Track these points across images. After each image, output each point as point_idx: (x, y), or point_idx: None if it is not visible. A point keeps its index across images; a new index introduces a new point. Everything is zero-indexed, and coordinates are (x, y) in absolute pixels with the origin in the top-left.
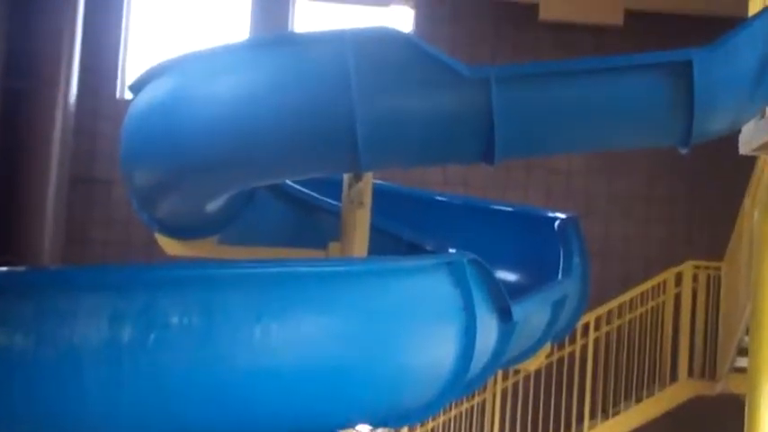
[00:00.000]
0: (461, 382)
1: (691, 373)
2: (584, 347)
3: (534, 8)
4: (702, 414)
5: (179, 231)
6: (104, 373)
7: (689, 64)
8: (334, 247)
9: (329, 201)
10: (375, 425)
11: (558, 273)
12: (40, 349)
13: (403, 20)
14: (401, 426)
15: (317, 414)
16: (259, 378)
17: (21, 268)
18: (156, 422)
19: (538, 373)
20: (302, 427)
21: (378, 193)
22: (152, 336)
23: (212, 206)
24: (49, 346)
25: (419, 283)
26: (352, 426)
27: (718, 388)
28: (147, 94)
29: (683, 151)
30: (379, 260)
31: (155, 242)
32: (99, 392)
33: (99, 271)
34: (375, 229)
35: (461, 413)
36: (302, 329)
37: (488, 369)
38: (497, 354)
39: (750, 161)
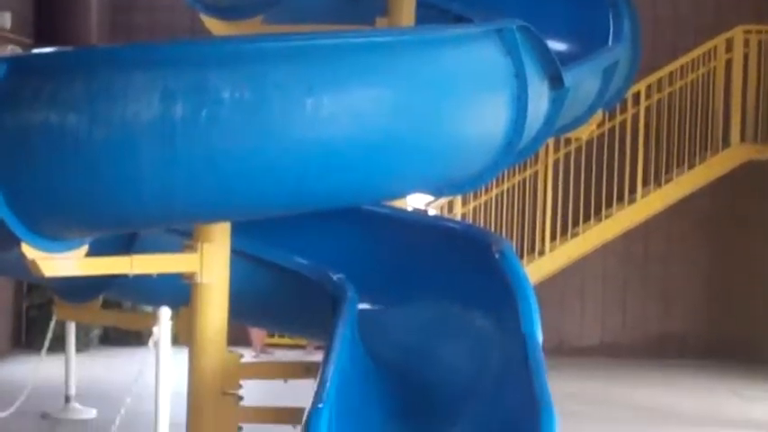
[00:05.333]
0: (514, 150)
1: (743, 137)
2: (636, 116)
3: None
4: (755, 178)
5: (224, 11)
6: (157, 151)
7: None
8: (381, 22)
9: None
10: (429, 195)
11: (608, 39)
12: (94, 128)
13: None
14: (455, 195)
15: (370, 184)
16: (312, 150)
17: (70, 48)
18: (210, 197)
19: (590, 142)
20: (355, 198)
21: None
22: (204, 112)
23: None
24: (101, 125)
25: (470, 51)
26: (406, 195)
27: None
28: None
29: None
30: (430, 29)
31: (199, 27)
32: (153, 169)
33: (149, 48)
34: (421, 4)
35: (514, 185)
36: (354, 101)
37: (540, 137)
38: (549, 121)
39: None
